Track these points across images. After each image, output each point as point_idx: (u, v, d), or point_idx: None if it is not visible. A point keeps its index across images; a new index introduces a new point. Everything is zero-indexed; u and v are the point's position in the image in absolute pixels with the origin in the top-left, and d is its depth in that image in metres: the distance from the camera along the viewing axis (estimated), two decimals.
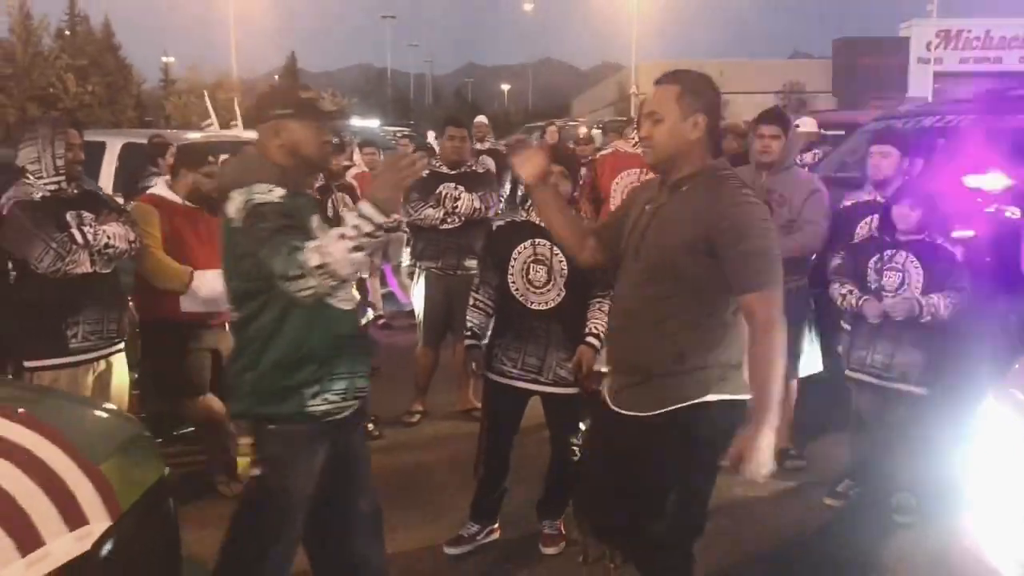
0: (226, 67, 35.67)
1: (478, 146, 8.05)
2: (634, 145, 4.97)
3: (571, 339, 3.66)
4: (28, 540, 1.51)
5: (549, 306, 3.65)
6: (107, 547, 1.66)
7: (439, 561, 3.71)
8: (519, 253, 3.69)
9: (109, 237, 3.75)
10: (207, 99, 17.50)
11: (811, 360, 4.65)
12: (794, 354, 4.53)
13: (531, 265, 3.66)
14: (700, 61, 56.43)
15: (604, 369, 3.36)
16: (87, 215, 3.77)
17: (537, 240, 3.67)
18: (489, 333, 3.83)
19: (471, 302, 3.80)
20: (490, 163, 7.52)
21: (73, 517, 1.62)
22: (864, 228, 4.39)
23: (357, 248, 2.41)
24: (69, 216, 3.71)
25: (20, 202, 3.64)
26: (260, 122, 2.68)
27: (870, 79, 47.05)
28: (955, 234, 4.26)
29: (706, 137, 2.58)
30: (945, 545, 3.61)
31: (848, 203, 4.60)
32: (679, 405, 2.50)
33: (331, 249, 2.40)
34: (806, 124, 7.57)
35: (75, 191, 3.82)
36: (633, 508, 2.67)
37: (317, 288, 2.41)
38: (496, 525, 3.90)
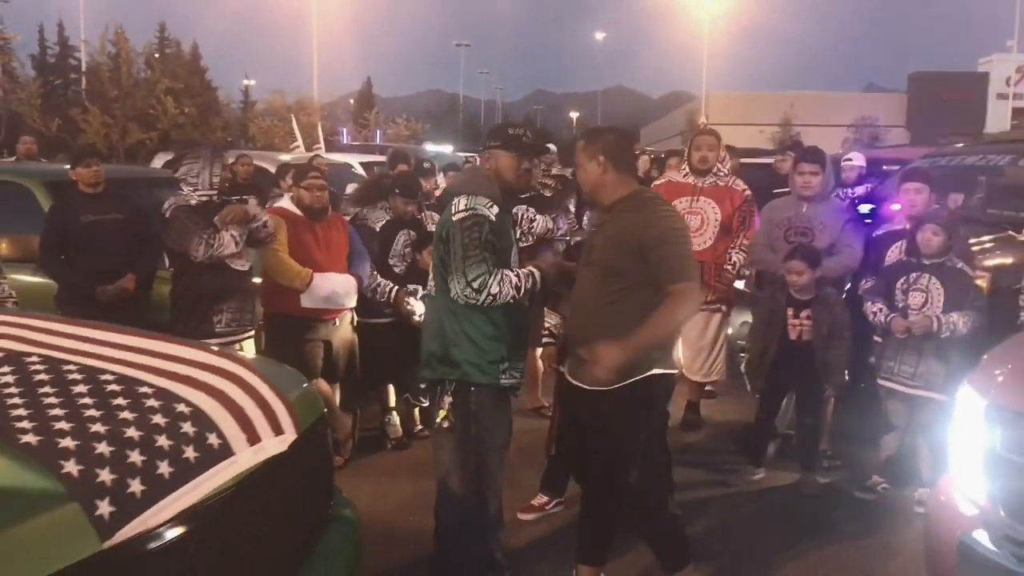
0: (304, 90, 37.05)
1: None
2: (684, 175, 5.58)
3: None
4: (252, 435, 2.19)
5: None
6: (295, 452, 2.34)
7: (512, 524, 4.33)
8: None
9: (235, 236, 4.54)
10: (294, 123, 18.54)
11: None
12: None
13: None
14: (771, 93, 56.48)
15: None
16: None
17: None
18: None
19: (550, 304, 4.42)
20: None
21: (275, 426, 2.29)
22: (894, 253, 4.94)
23: (516, 295, 3.26)
24: (216, 220, 4.51)
25: (180, 206, 4.48)
26: (481, 151, 3.49)
27: (946, 114, 46.52)
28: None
29: (613, 168, 3.28)
30: None
31: (881, 232, 5.15)
32: (634, 378, 3.14)
33: (505, 288, 3.22)
34: (856, 159, 8.08)
35: (219, 201, 4.62)
36: (606, 463, 3.31)
37: (477, 302, 3.21)
38: (562, 499, 4.51)
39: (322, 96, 37.93)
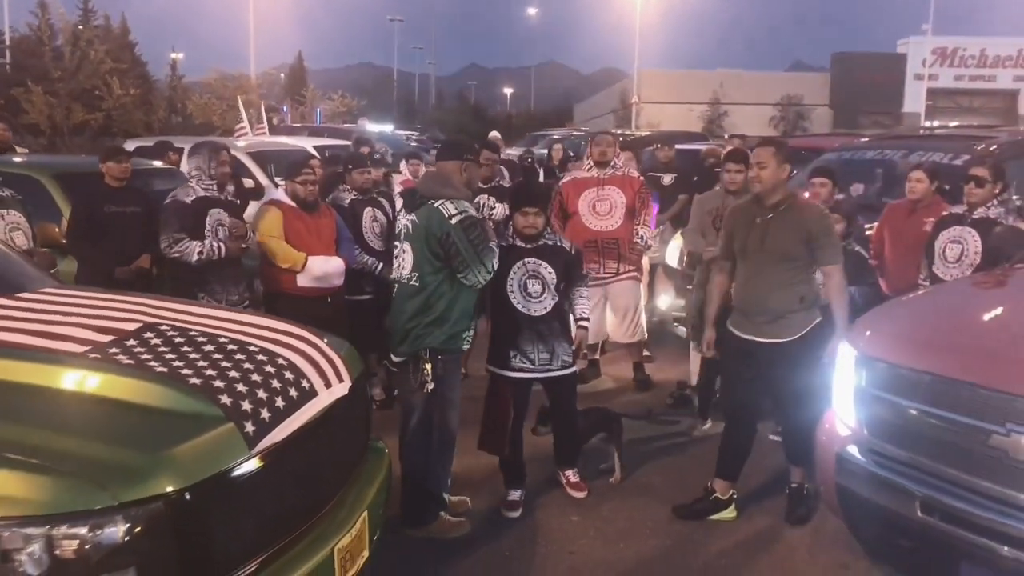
0: (238, 64, 36.45)
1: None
2: (588, 170, 6.43)
3: (566, 329, 4.66)
4: (326, 381, 2.96)
5: (547, 311, 4.53)
6: (351, 395, 3.11)
7: (485, 473, 5.08)
8: (515, 273, 4.51)
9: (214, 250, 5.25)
10: (240, 105, 18.83)
11: None
12: None
13: (527, 281, 4.52)
14: (701, 72, 57.64)
15: (590, 342, 4.67)
16: (224, 215, 5.34)
17: (527, 259, 4.53)
18: (498, 342, 4.65)
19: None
20: (505, 172, 9.01)
21: (338, 375, 3.04)
22: None
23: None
24: (211, 212, 5.25)
25: (177, 200, 5.19)
26: (452, 159, 4.19)
27: (867, 94, 48.30)
28: None
29: (786, 175, 4.27)
30: None
31: None
32: (805, 330, 4.21)
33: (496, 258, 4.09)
34: None
35: (222, 195, 5.37)
36: (784, 403, 4.45)
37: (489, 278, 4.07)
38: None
39: (255, 69, 37.29)
